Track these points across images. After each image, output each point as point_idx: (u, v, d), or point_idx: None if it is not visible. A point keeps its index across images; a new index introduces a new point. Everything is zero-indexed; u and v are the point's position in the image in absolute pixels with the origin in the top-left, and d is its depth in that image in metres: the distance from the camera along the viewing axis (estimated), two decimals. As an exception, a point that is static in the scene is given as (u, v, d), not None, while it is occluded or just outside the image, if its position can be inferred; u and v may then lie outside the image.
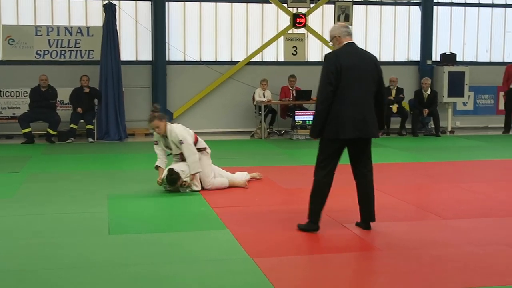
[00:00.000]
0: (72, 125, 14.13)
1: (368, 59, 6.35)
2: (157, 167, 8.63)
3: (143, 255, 5.66)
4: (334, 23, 16.26)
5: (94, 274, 5.13)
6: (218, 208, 7.47)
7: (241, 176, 8.92)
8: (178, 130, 8.47)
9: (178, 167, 8.38)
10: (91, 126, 14.30)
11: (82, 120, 14.32)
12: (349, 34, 6.35)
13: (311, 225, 6.28)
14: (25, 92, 14.64)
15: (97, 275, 5.11)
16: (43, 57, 15.08)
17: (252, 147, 13.73)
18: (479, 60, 17.56)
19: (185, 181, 8.33)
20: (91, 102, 14.44)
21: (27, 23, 15.11)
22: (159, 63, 15.50)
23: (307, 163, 10.99)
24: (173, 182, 8.29)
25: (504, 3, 17.59)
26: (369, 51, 6.71)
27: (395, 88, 15.76)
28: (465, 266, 5.28)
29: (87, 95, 14.31)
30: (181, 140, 8.39)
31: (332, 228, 6.43)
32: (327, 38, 15.70)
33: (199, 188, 8.45)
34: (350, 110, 6.07)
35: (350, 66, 6.11)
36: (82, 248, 5.87)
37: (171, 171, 8.30)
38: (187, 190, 8.38)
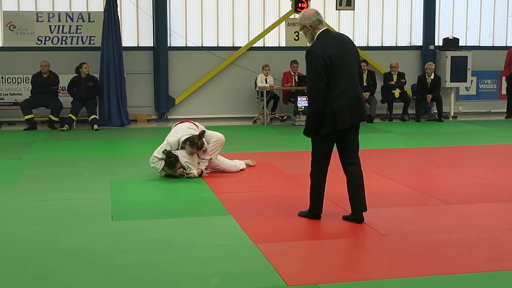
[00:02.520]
0: (70, 115, 14.01)
1: (347, 42, 6.16)
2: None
3: (146, 241, 5.66)
4: (336, 8, 16.24)
5: (96, 260, 5.13)
6: (221, 194, 7.47)
7: (239, 165, 8.94)
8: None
9: (178, 153, 8.39)
10: (95, 116, 14.18)
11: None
12: (321, 23, 6.09)
13: (315, 217, 6.28)
14: (27, 78, 14.63)
15: (100, 261, 5.11)
16: (45, 43, 15.04)
17: (255, 132, 13.71)
18: (482, 44, 17.48)
19: (182, 167, 8.33)
20: (92, 91, 14.33)
21: (28, 9, 15.07)
22: (160, 48, 15.46)
23: (309, 148, 10.98)
24: (172, 165, 8.30)
25: (507, -13, 17.51)
26: (342, 33, 6.57)
27: (396, 73, 15.70)
28: (469, 250, 5.28)
29: (86, 84, 14.18)
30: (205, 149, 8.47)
31: (336, 214, 6.43)
32: (329, 23, 15.80)
33: (196, 174, 8.44)
34: (344, 99, 5.93)
35: (337, 55, 5.91)
36: (85, 234, 5.88)
37: (169, 154, 8.30)
38: (185, 177, 8.38)
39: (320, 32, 6.03)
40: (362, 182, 6.23)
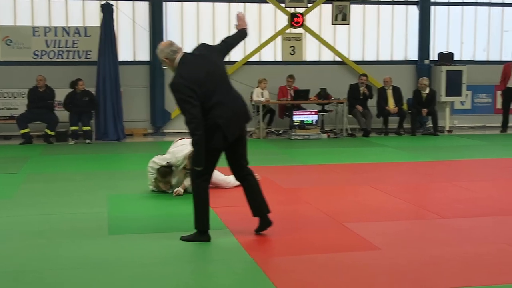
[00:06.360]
0: (72, 127, 14.09)
1: (208, 54, 6.20)
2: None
3: (142, 255, 5.66)
4: (332, 23, 16.34)
5: (94, 274, 5.13)
6: (217, 208, 7.46)
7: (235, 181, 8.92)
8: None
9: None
10: (89, 128, 14.25)
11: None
12: (176, 52, 6.12)
13: (203, 235, 6.13)
14: (23, 93, 14.63)
15: (98, 275, 5.11)
16: (41, 58, 15.06)
17: (251, 147, 13.53)
18: (477, 59, 17.58)
19: (170, 183, 8.35)
20: (88, 106, 14.31)
21: (24, 23, 15.09)
22: (157, 63, 15.44)
23: (306, 162, 11.02)
24: (164, 174, 8.31)
25: (502, 2, 17.61)
26: (204, 43, 6.44)
27: (390, 87, 15.74)
28: (465, 265, 5.29)
29: (82, 99, 14.20)
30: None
31: (332, 228, 6.44)
32: (325, 38, 15.88)
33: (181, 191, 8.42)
34: (225, 114, 5.99)
35: (199, 76, 5.93)
36: (82, 249, 5.87)
37: (169, 164, 8.32)
38: (170, 191, 8.40)
39: (180, 60, 6.08)
40: (258, 184, 6.49)
